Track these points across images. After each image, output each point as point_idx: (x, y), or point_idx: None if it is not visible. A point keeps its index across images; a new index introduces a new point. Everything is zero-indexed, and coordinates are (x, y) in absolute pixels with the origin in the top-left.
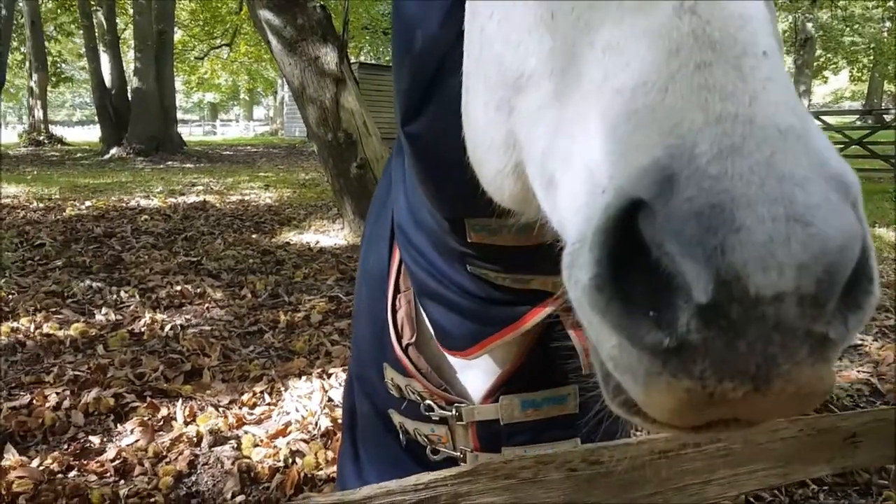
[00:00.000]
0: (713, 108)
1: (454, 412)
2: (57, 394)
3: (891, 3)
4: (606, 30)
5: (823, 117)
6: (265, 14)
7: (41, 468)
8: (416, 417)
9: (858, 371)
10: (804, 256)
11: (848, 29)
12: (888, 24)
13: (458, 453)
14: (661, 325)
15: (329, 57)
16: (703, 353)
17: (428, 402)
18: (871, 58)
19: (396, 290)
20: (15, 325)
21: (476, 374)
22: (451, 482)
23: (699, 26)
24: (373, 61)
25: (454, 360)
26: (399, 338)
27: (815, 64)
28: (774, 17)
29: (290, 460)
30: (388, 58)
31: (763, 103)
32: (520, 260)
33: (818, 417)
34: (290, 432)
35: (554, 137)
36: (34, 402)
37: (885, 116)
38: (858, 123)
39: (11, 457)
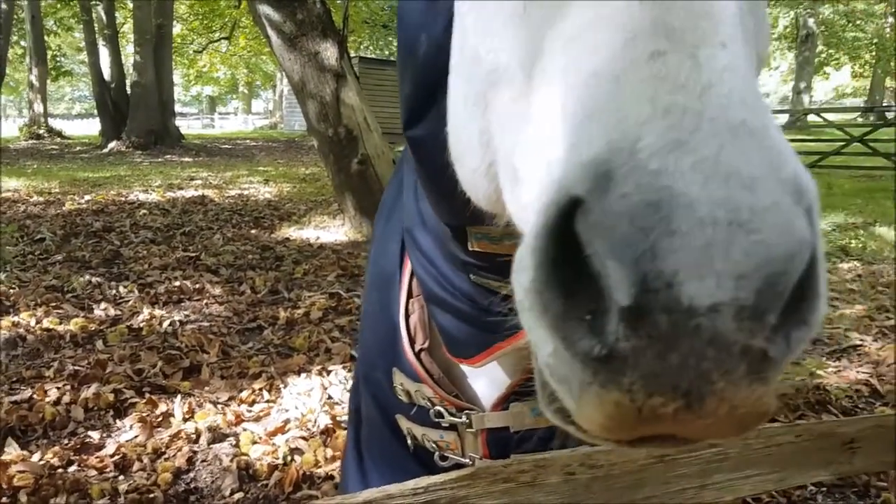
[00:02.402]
0: (662, 99)
1: (464, 419)
2: (57, 388)
3: None
4: (571, 20)
5: (824, 114)
6: (265, 9)
7: (42, 462)
8: (424, 423)
9: (858, 371)
10: (745, 266)
11: (850, 24)
12: (891, 19)
13: (468, 460)
14: (594, 331)
15: (329, 52)
16: (633, 364)
17: (438, 408)
18: (874, 54)
19: (410, 295)
20: (16, 319)
21: (486, 380)
22: (451, 486)
23: (658, 15)
24: (373, 56)
25: (464, 367)
26: (412, 343)
27: (816, 60)
28: (755, 11)
29: (289, 458)
30: (388, 52)
31: (715, 95)
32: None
33: (816, 423)
34: (288, 430)
35: (520, 132)
36: (34, 396)
37: (886, 114)
38: (860, 120)
39: (13, 451)
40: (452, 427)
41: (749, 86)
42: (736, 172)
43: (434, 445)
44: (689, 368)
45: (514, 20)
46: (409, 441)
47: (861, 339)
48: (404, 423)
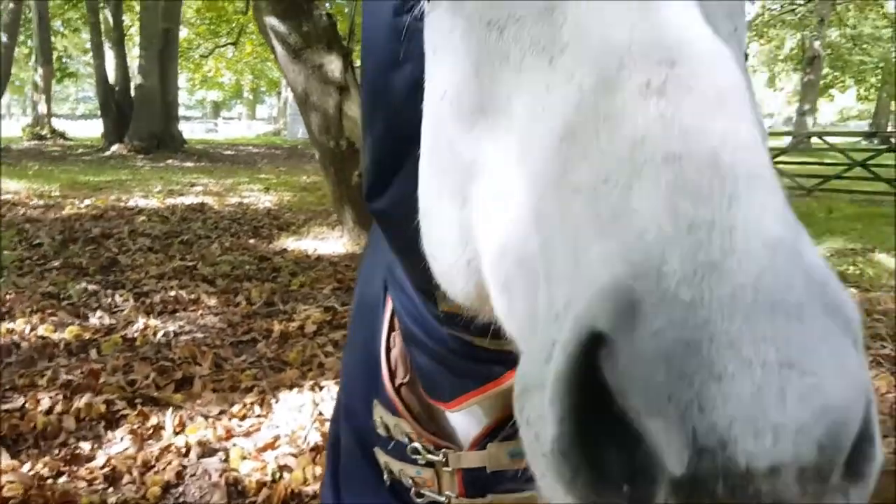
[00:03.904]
0: (685, 212)
1: (441, 457)
2: (50, 398)
3: None
4: (567, 116)
5: (827, 137)
6: (271, 21)
7: (32, 473)
8: (402, 458)
9: None
10: (804, 415)
11: (856, 48)
12: None
13: (444, 498)
14: (634, 502)
15: (333, 65)
16: None
17: (415, 444)
18: (879, 77)
19: (392, 328)
20: (11, 325)
21: (465, 418)
22: None
23: (667, 110)
24: None
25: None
26: (392, 377)
27: (822, 82)
28: (752, 87)
29: (278, 475)
30: None
31: (746, 206)
32: (495, 326)
33: None
34: (278, 446)
35: (509, 236)
36: (27, 405)
37: (891, 139)
38: (864, 144)
39: (3, 460)
40: (429, 464)
41: (778, 192)
42: (780, 301)
43: (410, 481)
44: None
45: (500, 113)
46: (385, 475)
47: None
48: (382, 457)
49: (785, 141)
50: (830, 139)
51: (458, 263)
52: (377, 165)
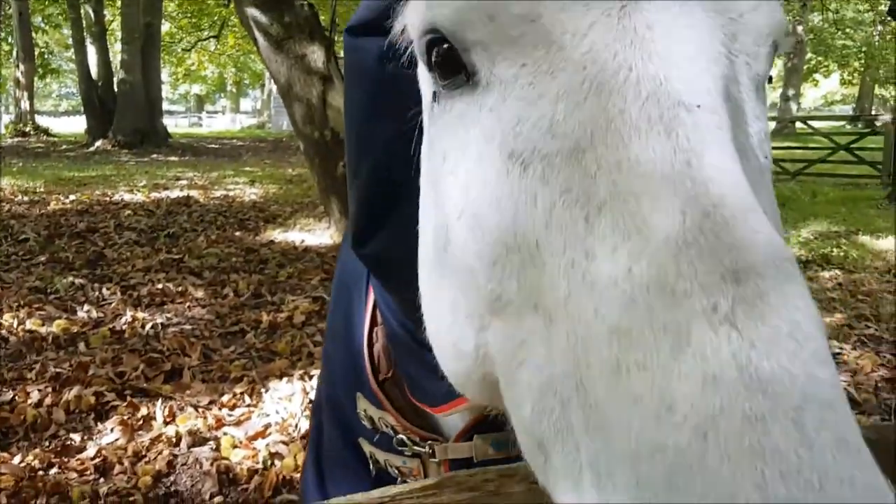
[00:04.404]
0: (773, 489)
1: (427, 449)
2: (39, 391)
3: (882, 7)
4: (618, 306)
5: (811, 122)
6: (252, 12)
7: (22, 465)
8: (388, 449)
9: None
10: None
11: (839, 32)
12: (880, 27)
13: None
14: None
15: (316, 55)
16: None
17: (401, 436)
18: (863, 62)
19: (374, 322)
20: None
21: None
22: (417, 494)
23: (741, 351)
24: None
25: None
26: (375, 372)
27: (805, 67)
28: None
29: (269, 462)
30: None
31: (836, 484)
32: None
33: None
34: (269, 434)
35: (545, 396)
36: (16, 398)
37: (875, 123)
38: (848, 128)
39: None
40: (416, 454)
41: (868, 456)
42: None
43: (396, 471)
44: None
45: (530, 262)
46: (371, 465)
47: (840, 348)
48: (367, 447)
49: (770, 126)
50: (815, 123)
51: (472, 377)
52: (365, 210)
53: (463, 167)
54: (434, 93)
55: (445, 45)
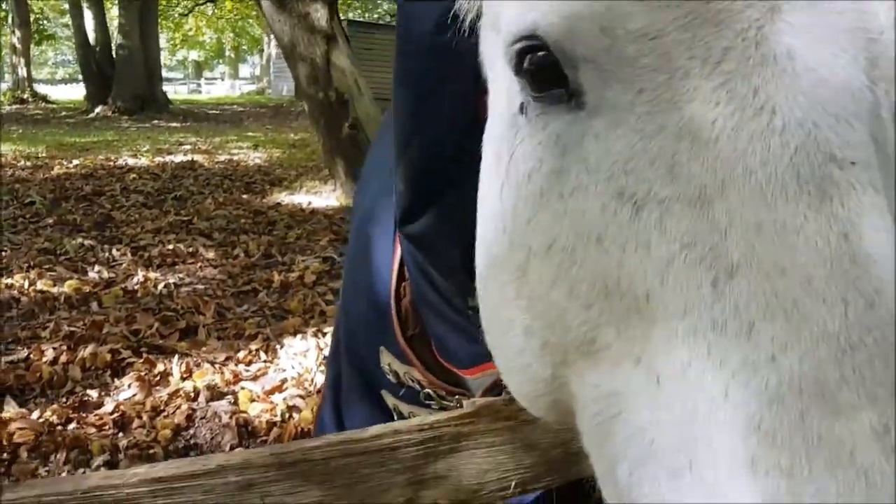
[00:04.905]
0: None
1: (455, 404)
2: (54, 349)
3: None
4: (757, 402)
5: None
6: None
7: (41, 420)
8: (413, 403)
9: None
10: None
11: None
12: None
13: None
14: None
15: (319, 13)
16: None
17: (427, 391)
18: None
19: (401, 278)
20: (9, 281)
21: None
22: (454, 423)
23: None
24: (363, 19)
25: None
26: (403, 327)
27: None
28: None
29: (287, 415)
30: (377, 15)
31: None
32: None
33: None
34: (286, 388)
35: (646, 464)
36: (31, 356)
37: None
38: None
39: (11, 409)
40: (442, 409)
41: None
42: None
43: None
44: None
45: (637, 319)
46: (395, 417)
47: None
48: (391, 400)
49: None
50: None
51: (542, 400)
52: (415, 186)
53: (555, 193)
54: (522, 104)
55: (542, 53)
